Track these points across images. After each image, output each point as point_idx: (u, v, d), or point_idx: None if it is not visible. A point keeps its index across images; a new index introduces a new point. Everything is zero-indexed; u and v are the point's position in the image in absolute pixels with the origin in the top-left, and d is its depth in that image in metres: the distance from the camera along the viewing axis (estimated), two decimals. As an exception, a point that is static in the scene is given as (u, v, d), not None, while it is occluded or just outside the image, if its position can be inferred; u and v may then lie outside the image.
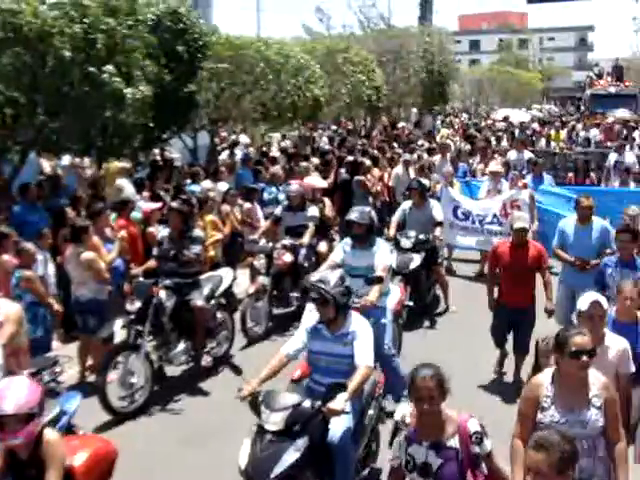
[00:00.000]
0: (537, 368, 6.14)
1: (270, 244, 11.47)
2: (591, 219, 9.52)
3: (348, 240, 8.61)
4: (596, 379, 4.91)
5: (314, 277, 6.66)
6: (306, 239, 11.37)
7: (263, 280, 10.97)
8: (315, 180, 14.66)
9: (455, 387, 4.69)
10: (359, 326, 6.11)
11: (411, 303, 10.05)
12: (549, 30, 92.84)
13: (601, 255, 9.06)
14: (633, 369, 5.83)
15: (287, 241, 11.34)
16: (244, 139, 23.13)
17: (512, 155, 18.88)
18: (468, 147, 22.26)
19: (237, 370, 6.38)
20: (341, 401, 5.39)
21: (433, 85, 31.49)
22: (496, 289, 9.09)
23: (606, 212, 12.35)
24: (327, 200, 13.77)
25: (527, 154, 18.56)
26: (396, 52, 29.72)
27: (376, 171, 16.78)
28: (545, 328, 8.13)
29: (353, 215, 8.44)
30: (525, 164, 17.57)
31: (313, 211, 11.88)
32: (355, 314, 6.33)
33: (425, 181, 13.16)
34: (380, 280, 7.93)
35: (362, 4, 33.66)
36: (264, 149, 21.69)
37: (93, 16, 11.19)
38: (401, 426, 5.28)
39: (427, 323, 11.46)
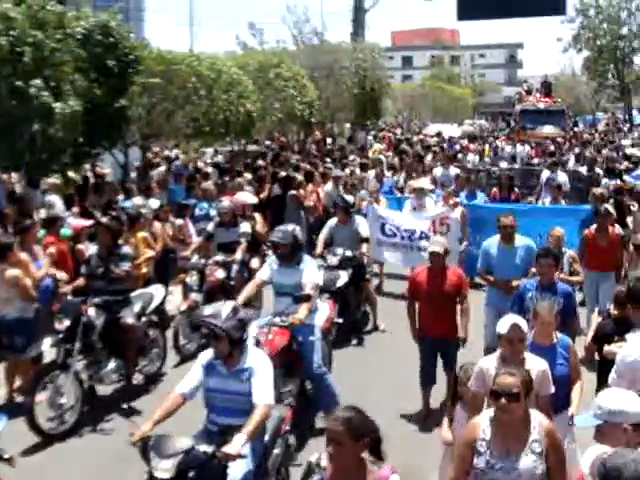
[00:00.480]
0: (455, 397, 6.14)
1: (202, 261, 11.39)
2: (514, 238, 9.37)
3: (275, 258, 8.50)
4: (538, 422, 4.68)
5: (206, 311, 6.17)
6: (238, 255, 11.33)
7: (196, 297, 10.90)
8: (246, 196, 14.58)
9: (377, 412, 4.54)
10: (257, 361, 5.75)
11: (340, 320, 9.91)
12: (480, 47, 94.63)
13: (528, 275, 8.84)
14: (552, 390, 5.82)
15: (219, 257, 11.29)
16: (176, 154, 22.98)
17: (438, 171, 18.63)
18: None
19: (133, 412, 6.17)
20: (237, 444, 5.06)
21: (366, 100, 31.73)
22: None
23: (536, 229, 12.45)
24: (258, 216, 13.65)
25: (453, 170, 18.25)
26: (329, 68, 29.89)
27: (310, 186, 16.73)
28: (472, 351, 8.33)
29: (275, 236, 8.34)
30: (452, 180, 17.13)
31: (245, 227, 11.84)
32: (253, 349, 6.05)
33: (349, 198, 13.03)
34: (308, 298, 7.91)
35: (296, 19, 33.72)
36: (197, 164, 21.56)
37: (20, 29, 11.04)
38: (314, 468, 4.90)
39: (355, 341, 11.35)
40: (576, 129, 43.86)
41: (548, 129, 33.90)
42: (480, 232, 13.50)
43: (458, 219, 13.34)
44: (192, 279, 11.49)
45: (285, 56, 28.33)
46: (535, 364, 5.73)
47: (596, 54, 49.65)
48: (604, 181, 17.61)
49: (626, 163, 21.28)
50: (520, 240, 9.43)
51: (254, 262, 11.98)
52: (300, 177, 16.72)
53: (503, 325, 5.81)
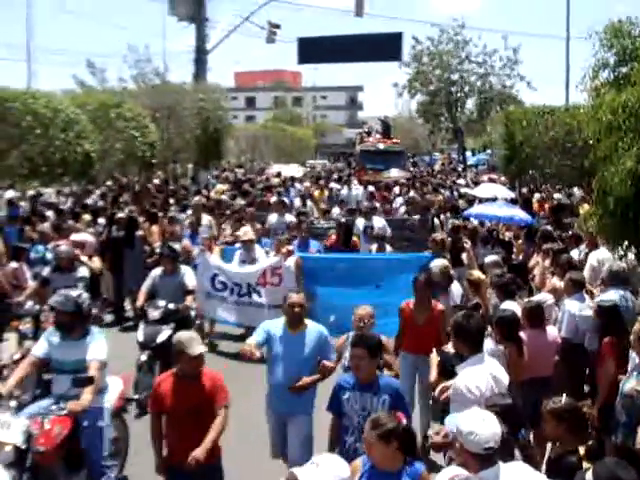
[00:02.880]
0: None
1: (37, 306, 10.94)
2: (303, 322, 7.41)
3: (54, 329, 7.41)
4: None
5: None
6: None
7: (30, 345, 10.43)
8: (83, 236, 14.18)
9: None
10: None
11: (136, 397, 9.09)
12: (322, 89, 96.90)
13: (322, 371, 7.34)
14: None
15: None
16: (10, 194, 22.09)
17: (272, 218, 16.83)
18: (242, 202, 21.27)
19: None
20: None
21: (208, 141, 31.72)
22: None
23: (373, 280, 12.45)
24: (97, 259, 13.34)
25: (288, 217, 16.92)
26: (171, 108, 29.73)
27: (155, 228, 16.27)
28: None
29: (55, 301, 7.42)
30: (285, 228, 15.91)
31: (83, 272, 11.46)
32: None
33: (177, 246, 12.62)
34: (90, 381, 6.83)
35: (137, 58, 33.38)
36: (34, 206, 20.82)
37: None
38: None
39: None
40: (414, 169, 45.30)
41: (395, 172, 33.73)
42: (319, 284, 12.85)
43: (292, 268, 12.74)
44: (26, 326, 10.91)
45: (126, 96, 28.00)
46: None
47: (430, 98, 51.80)
48: (450, 221, 17.60)
49: (462, 202, 22.07)
50: (311, 327, 7.43)
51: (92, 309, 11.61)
52: (141, 219, 16.43)
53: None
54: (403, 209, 21.19)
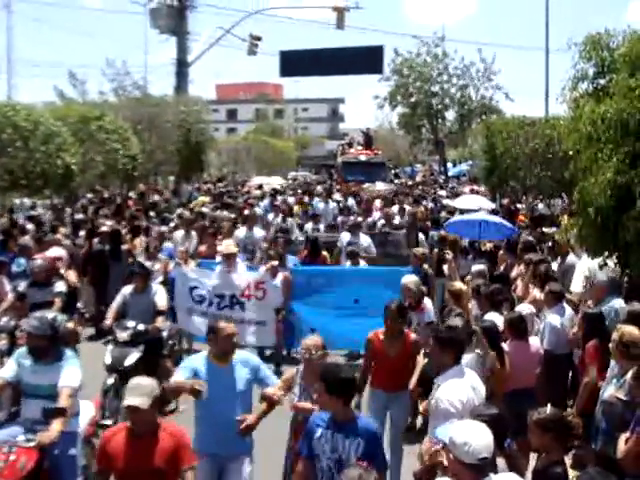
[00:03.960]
0: None
1: (12, 322, 10.56)
2: (231, 356, 6.64)
3: (25, 351, 7.05)
4: None
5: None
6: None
7: (5, 362, 10.22)
8: (56, 251, 13.81)
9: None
10: None
11: (109, 422, 8.64)
12: (303, 101, 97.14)
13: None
14: None
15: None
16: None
17: (240, 233, 16.22)
18: (226, 213, 21.26)
19: None
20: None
21: (190, 154, 31.67)
22: None
23: (351, 295, 12.53)
24: (72, 273, 12.95)
25: (259, 232, 16.58)
26: (152, 121, 29.68)
27: (138, 240, 16.05)
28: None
29: (28, 324, 7.08)
30: (257, 243, 15.87)
31: (60, 286, 11.20)
32: None
33: (148, 263, 12.24)
34: (62, 413, 6.50)
35: (116, 71, 33.34)
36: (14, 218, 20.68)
37: None
38: None
39: None
40: (397, 181, 45.29)
41: (380, 185, 33.12)
42: (297, 298, 12.87)
43: (277, 285, 12.49)
44: (1, 342, 10.45)
45: (107, 108, 27.93)
46: None
47: (411, 110, 51.99)
48: (431, 233, 17.64)
49: (444, 213, 22.09)
50: (238, 354, 6.78)
51: (68, 325, 11.18)
52: (123, 230, 16.37)
53: None
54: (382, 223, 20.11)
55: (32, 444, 6.39)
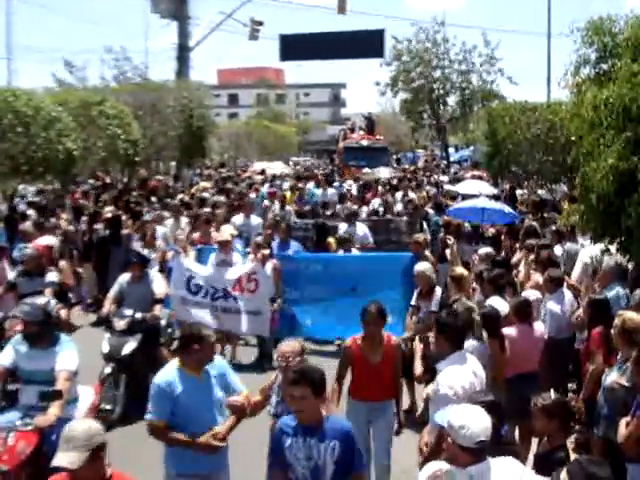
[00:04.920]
0: None
1: (1, 313, 10.27)
2: (204, 368, 6.09)
3: (21, 338, 7.07)
4: None
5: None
6: None
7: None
8: (47, 239, 13.52)
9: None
10: None
11: (109, 407, 8.77)
12: (305, 86, 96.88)
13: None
14: None
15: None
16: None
17: (238, 220, 16.10)
18: (223, 199, 21.02)
19: None
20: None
21: (191, 139, 31.61)
22: None
23: (349, 282, 12.45)
24: (64, 263, 12.58)
25: (255, 219, 16.37)
26: (153, 106, 29.61)
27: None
28: None
29: (21, 311, 7.07)
30: (253, 230, 15.49)
31: (52, 277, 10.96)
32: None
33: (145, 251, 12.08)
34: (58, 396, 6.47)
35: (116, 57, 33.27)
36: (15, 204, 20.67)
37: None
38: None
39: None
40: (396, 166, 45.09)
41: (385, 172, 32.71)
42: (294, 287, 12.87)
43: (269, 274, 12.19)
44: None
45: (108, 93, 27.86)
46: None
47: (412, 96, 51.78)
48: (434, 218, 17.61)
49: (445, 199, 22.07)
50: (215, 367, 6.22)
51: (62, 314, 10.54)
52: (124, 216, 16.37)
53: None
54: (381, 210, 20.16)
55: (30, 427, 6.40)
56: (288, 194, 22.74)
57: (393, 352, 7.53)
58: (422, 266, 10.11)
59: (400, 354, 7.73)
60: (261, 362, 12.05)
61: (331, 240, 14.81)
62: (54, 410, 6.38)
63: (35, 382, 6.72)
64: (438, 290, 9.97)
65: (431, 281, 9.94)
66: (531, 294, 9.79)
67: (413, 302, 10.02)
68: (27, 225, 15.05)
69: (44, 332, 6.92)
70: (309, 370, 5.33)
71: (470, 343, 7.31)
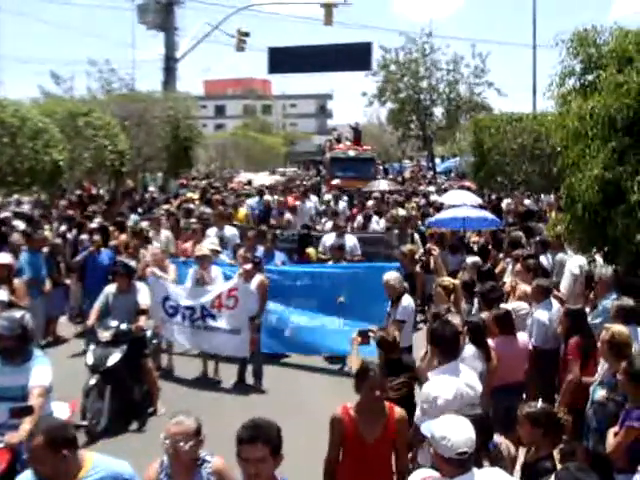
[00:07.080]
0: None
1: None
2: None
3: None
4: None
5: None
6: None
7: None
8: (3, 258, 11.96)
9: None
10: None
11: (85, 423, 8.50)
12: (291, 97, 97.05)
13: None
14: None
15: None
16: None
17: (211, 232, 15.67)
18: (209, 210, 20.68)
19: None
20: None
21: (178, 149, 31.59)
22: None
23: (335, 292, 12.36)
24: (18, 282, 11.41)
25: (229, 230, 15.96)
26: (140, 117, 29.59)
27: (123, 237, 15.77)
28: None
29: None
30: (230, 241, 15.27)
31: (1, 295, 10.37)
32: None
33: (132, 263, 11.84)
34: (30, 411, 6.17)
35: (99, 69, 33.31)
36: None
37: None
38: None
39: (135, 426, 9.93)
40: (379, 176, 44.88)
41: (384, 184, 32.26)
42: (276, 299, 12.62)
43: (252, 290, 11.76)
44: None
45: (95, 105, 27.82)
46: None
47: (399, 106, 51.94)
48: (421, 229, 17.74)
49: (431, 209, 22.10)
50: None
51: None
52: (111, 228, 16.28)
53: None
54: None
55: (1, 445, 6.12)
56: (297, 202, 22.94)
57: (396, 428, 5.81)
58: (388, 275, 9.96)
59: (407, 430, 6.02)
60: (242, 381, 11.80)
61: (310, 250, 14.70)
62: (26, 427, 6.03)
63: (7, 399, 6.43)
64: (405, 299, 9.74)
65: (398, 290, 9.77)
66: (520, 306, 9.80)
67: (388, 309, 10.00)
68: (15, 237, 14.87)
69: (20, 347, 6.66)
70: (265, 425, 4.33)
71: (469, 347, 7.34)
